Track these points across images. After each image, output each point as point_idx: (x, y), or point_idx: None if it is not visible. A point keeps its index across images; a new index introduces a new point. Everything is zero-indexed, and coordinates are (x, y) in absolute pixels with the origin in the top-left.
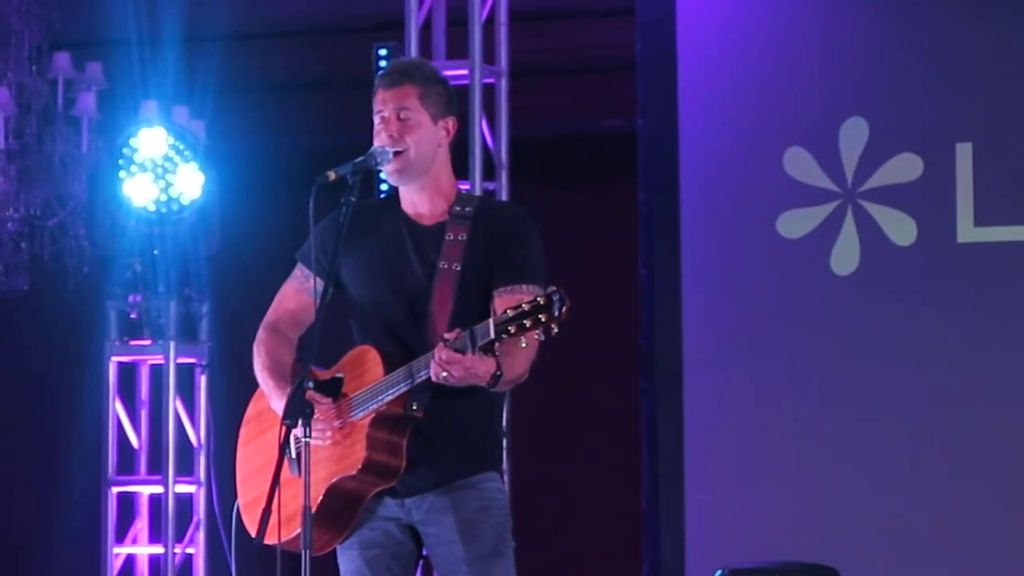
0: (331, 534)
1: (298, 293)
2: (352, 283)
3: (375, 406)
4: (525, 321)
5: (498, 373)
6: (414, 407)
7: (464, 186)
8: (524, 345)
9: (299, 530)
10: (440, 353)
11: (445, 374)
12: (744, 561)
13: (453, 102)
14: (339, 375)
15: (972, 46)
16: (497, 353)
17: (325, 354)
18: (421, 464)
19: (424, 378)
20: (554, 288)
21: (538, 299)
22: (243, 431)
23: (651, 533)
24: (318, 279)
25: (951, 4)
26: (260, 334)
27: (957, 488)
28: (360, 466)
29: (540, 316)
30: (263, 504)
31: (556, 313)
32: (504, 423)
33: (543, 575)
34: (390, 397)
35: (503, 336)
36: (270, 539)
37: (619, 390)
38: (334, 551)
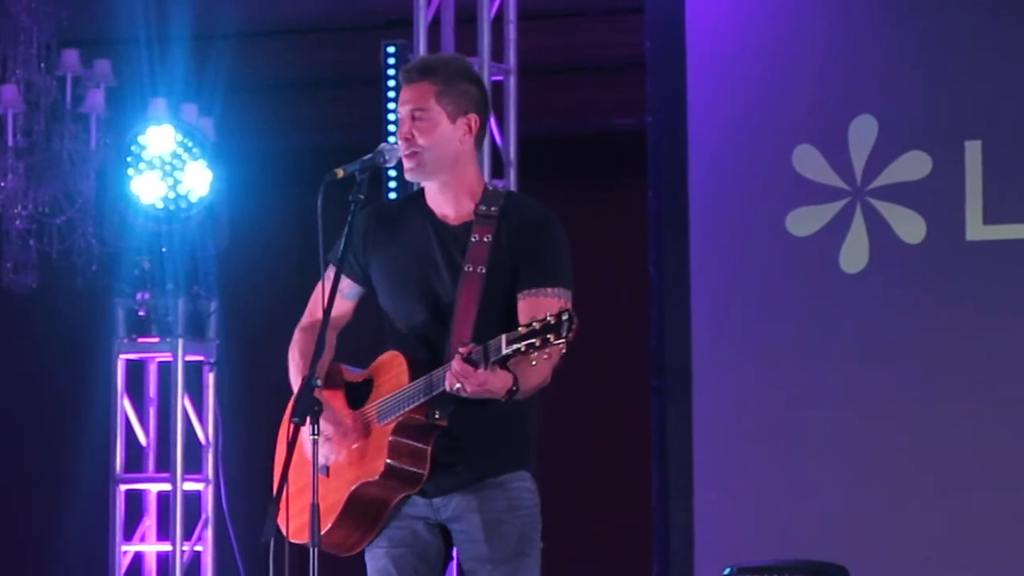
0: (360, 534)
1: None
2: (380, 285)
3: (397, 414)
4: (535, 340)
5: (514, 388)
6: (436, 416)
7: None
8: (534, 364)
9: (325, 528)
10: (455, 364)
11: (459, 385)
12: (753, 559)
13: (482, 100)
14: (370, 378)
15: (981, 44)
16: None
17: (361, 352)
18: (450, 463)
19: (442, 389)
20: (566, 309)
21: (548, 319)
22: (283, 427)
23: (661, 531)
24: (345, 278)
25: (960, 2)
26: (295, 335)
27: (966, 487)
28: (381, 472)
29: (549, 336)
30: (293, 503)
31: (564, 334)
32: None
33: (553, 573)
34: (411, 406)
35: (515, 354)
36: (298, 538)
37: (629, 388)
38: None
